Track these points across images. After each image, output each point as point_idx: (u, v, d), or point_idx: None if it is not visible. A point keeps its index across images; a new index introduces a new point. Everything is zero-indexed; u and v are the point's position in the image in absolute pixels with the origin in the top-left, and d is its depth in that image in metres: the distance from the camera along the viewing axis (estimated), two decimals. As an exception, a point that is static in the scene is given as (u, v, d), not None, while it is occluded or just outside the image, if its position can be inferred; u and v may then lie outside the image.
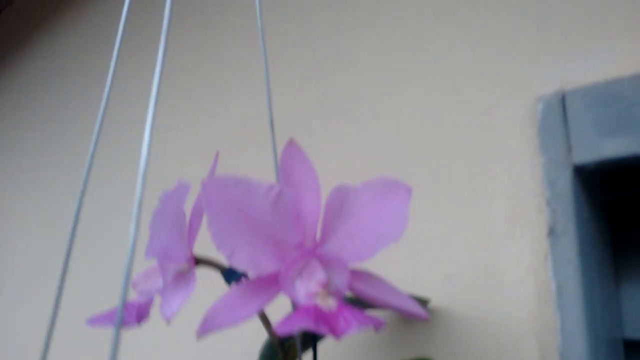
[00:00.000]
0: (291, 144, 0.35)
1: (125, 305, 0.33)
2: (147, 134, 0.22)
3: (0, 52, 1.32)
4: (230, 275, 0.35)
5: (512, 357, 0.45)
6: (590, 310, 0.42)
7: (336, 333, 0.26)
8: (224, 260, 0.30)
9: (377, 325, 0.27)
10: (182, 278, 0.35)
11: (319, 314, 0.28)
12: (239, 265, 0.30)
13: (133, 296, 0.37)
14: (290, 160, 0.34)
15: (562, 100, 0.45)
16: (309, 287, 0.30)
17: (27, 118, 1.18)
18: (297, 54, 0.69)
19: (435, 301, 0.49)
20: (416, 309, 0.32)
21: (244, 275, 0.35)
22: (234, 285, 0.34)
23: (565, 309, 0.42)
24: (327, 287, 0.29)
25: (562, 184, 0.44)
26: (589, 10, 0.46)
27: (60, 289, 0.23)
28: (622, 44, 0.44)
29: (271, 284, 0.31)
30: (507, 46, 0.51)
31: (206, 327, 0.30)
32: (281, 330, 0.26)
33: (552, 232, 0.44)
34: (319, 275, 0.29)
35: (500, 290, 0.47)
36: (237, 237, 0.30)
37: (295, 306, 0.30)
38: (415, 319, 0.36)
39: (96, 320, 0.36)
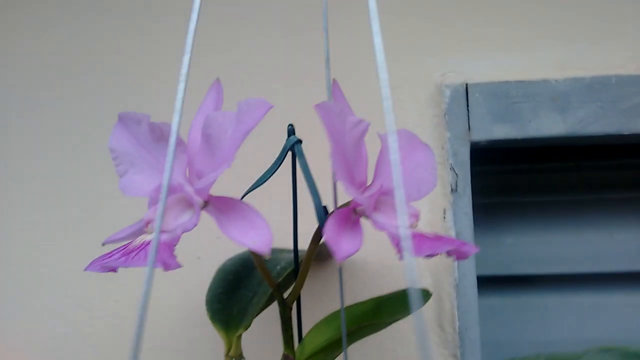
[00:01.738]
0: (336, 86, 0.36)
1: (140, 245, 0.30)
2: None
3: None
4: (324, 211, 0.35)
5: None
6: (480, 252, 0.55)
7: (462, 254, 0.31)
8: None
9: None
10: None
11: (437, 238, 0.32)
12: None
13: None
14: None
15: (466, 90, 0.57)
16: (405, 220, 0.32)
17: None
18: None
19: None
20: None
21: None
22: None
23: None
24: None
25: (462, 154, 0.56)
26: (493, 22, 0.59)
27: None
28: (510, 55, 0.59)
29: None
30: (421, 39, 0.61)
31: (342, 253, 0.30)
32: (421, 253, 0.30)
33: (453, 191, 0.55)
34: (411, 209, 0.33)
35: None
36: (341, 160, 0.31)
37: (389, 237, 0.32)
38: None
39: (98, 264, 0.30)
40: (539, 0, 0.59)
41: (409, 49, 0.61)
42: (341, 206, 0.36)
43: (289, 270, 0.45)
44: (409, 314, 0.41)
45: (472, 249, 0.31)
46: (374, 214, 0.33)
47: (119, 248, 0.32)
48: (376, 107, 0.57)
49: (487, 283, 0.61)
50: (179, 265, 0.29)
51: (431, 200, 0.57)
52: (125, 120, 0.37)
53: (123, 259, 0.30)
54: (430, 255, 0.32)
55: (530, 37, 0.59)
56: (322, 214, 0.37)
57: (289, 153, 0.38)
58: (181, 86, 0.25)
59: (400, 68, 0.60)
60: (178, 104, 0.25)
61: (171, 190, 0.34)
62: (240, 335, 0.41)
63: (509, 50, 0.59)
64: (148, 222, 0.32)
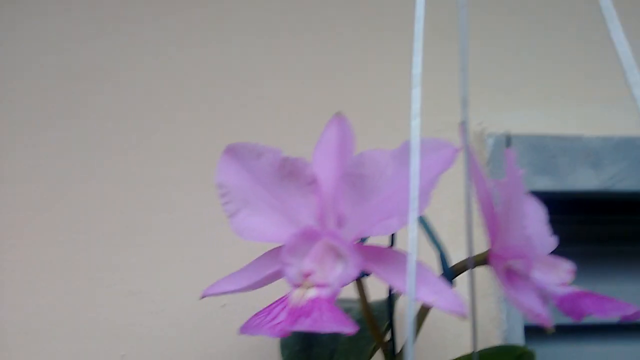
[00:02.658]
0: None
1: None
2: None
3: None
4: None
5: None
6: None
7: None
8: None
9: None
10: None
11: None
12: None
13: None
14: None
15: (508, 140, 0.58)
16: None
17: None
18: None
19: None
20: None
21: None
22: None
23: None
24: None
25: (506, 205, 0.56)
26: (530, 77, 0.61)
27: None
28: (551, 109, 0.61)
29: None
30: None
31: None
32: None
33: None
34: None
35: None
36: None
37: None
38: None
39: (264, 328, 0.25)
40: (571, 61, 0.63)
41: (448, 97, 0.61)
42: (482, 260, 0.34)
43: (385, 325, 0.41)
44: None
45: (354, 329, 0.24)
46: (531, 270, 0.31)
47: (272, 306, 0.26)
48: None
49: (534, 333, 0.60)
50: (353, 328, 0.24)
51: (459, 243, 0.56)
52: (239, 152, 0.32)
53: (293, 320, 0.24)
54: (584, 315, 0.30)
55: (564, 95, 0.62)
56: (447, 267, 0.34)
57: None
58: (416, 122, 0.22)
59: (440, 114, 0.60)
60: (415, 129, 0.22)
61: (308, 236, 0.29)
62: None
63: (545, 106, 0.61)
64: (308, 275, 0.27)
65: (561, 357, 0.62)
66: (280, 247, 0.32)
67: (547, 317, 0.28)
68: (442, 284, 0.27)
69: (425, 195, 0.26)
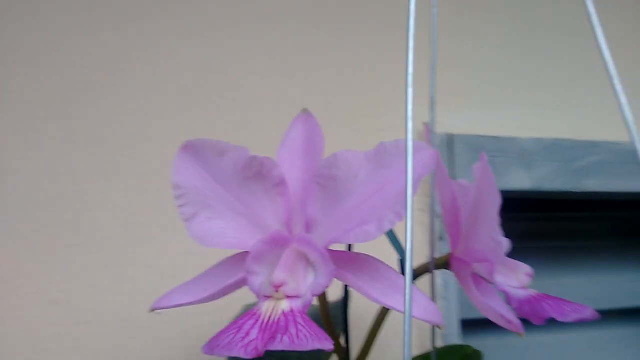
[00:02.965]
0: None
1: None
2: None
3: None
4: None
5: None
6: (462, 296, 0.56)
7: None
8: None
9: (329, 348, 0.22)
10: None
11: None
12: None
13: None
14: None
15: (452, 140, 0.59)
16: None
17: None
18: None
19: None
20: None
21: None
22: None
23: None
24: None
25: (448, 203, 0.57)
26: (469, 80, 0.63)
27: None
28: (490, 112, 0.62)
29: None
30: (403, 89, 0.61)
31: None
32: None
33: (441, 239, 0.56)
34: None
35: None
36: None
37: None
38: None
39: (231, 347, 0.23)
40: (509, 66, 0.65)
41: (393, 96, 0.61)
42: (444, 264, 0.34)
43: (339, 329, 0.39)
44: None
45: (330, 346, 0.22)
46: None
47: (241, 322, 0.24)
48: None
49: (470, 326, 0.62)
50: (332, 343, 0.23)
51: (416, 248, 0.56)
52: (198, 150, 0.29)
53: (268, 338, 0.23)
54: (543, 319, 0.30)
55: (502, 98, 0.64)
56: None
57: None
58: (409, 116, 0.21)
59: (384, 113, 0.60)
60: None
61: (277, 242, 0.27)
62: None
63: (485, 108, 0.63)
64: (279, 286, 0.25)
65: (500, 349, 0.65)
66: (241, 254, 0.30)
67: (519, 323, 0.28)
68: (418, 293, 0.27)
69: (403, 202, 0.25)
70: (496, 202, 0.27)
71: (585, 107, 0.66)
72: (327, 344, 0.22)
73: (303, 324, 0.23)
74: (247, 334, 0.23)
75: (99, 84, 0.54)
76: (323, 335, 0.23)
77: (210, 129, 0.55)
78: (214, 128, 0.55)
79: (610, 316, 0.68)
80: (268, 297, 0.25)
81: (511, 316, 0.28)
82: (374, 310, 0.36)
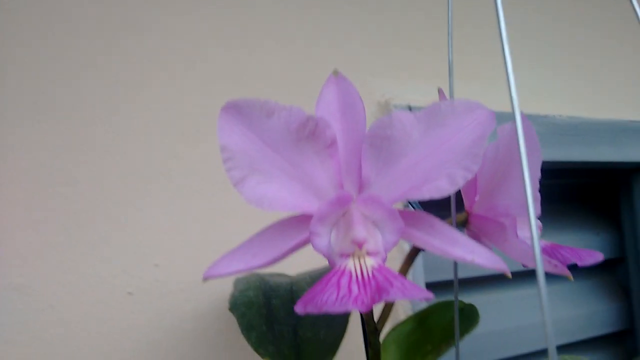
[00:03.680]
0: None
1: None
2: None
3: None
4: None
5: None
6: (426, 259, 0.59)
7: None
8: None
9: (425, 298, 0.22)
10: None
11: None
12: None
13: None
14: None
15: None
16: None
17: None
18: None
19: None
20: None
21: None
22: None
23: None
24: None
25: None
26: (421, 52, 0.65)
27: None
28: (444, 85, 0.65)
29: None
30: (362, 62, 0.62)
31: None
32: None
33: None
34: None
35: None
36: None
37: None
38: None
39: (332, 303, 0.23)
40: (462, 43, 0.69)
41: (354, 67, 0.61)
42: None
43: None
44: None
45: (429, 296, 0.23)
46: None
47: (333, 281, 0.24)
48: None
49: (432, 288, 0.65)
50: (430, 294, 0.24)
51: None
52: (242, 110, 0.27)
53: (375, 292, 0.22)
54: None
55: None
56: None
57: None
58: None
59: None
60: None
61: (340, 202, 0.27)
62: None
63: (439, 82, 0.66)
64: (362, 243, 0.25)
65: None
66: (292, 218, 0.29)
67: (562, 266, 0.31)
68: (474, 243, 0.28)
69: (474, 157, 0.27)
70: (538, 157, 0.29)
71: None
72: (429, 294, 0.23)
73: (398, 277, 0.24)
74: (350, 290, 0.23)
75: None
76: (420, 287, 0.23)
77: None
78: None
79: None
80: (347, 255, 0.25)
81: (554, 260, 0.31)
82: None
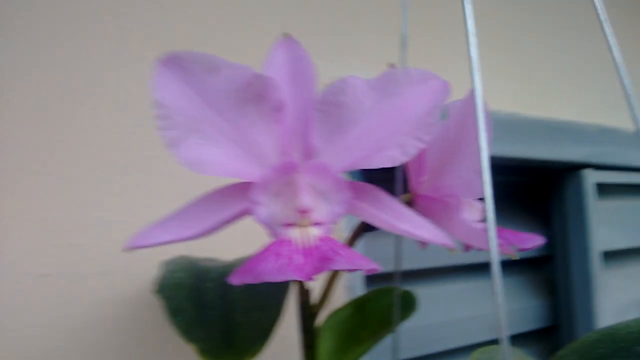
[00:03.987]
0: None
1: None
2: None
3: None
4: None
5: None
6: (366, 252, 0.58)
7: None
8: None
9: (370, 270, 0.21)
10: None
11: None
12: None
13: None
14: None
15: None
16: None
17: None
18: None
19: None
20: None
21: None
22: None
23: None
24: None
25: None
26: (375, 39, 0.64)
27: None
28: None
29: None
30: (314, 45, 0.60)
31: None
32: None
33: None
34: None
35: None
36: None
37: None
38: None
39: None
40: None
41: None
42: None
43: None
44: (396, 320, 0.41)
45: (374, 268, 0.21)
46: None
47: (275, 250, 0.21)
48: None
49: (368, 277, 0.63)
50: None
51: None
52: (183, 64, 0.25)
53: (319, 261, 0.21)
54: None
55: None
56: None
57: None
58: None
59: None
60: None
61: (285, 169, 0.25)
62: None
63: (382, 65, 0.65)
64: (305, 212, 0.23)
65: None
66: (229, 186, 0.27)
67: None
68: (421, 219, 0.27)
69: (427, 127, 0.25)
70: (490, 136, 0.28)
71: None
72: (377, 265, 0.21)
73: (344, 247, 0.22)
74: (291, 259, 0.21)
75: None
76: (367, 258, 0.22)
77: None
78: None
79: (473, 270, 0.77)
80: (290, 224, 0.23)
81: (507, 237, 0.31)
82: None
